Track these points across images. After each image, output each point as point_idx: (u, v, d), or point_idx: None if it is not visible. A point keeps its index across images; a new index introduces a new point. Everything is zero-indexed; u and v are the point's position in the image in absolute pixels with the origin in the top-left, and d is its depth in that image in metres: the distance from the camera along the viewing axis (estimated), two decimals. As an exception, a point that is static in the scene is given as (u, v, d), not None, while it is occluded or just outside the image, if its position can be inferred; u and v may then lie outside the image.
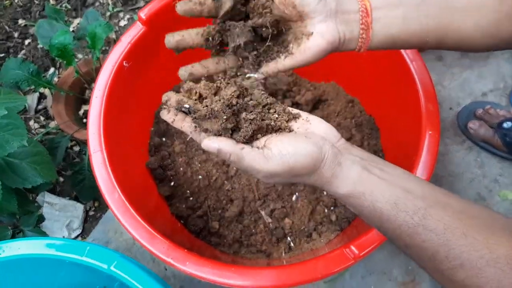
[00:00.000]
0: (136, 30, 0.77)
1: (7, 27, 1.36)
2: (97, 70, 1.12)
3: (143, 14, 0.76)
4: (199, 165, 0.87)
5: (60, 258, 0.62)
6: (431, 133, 0.67)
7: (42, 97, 1.26)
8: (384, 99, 0.86)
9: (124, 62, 0.76)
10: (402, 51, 0.73)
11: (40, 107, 1.25)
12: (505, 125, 1.01)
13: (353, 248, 0.60)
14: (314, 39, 0.48)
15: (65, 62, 0.99)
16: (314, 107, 0.95)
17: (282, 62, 0.50)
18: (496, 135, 1.04)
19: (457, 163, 1.08)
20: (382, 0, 0.48)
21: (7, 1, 1.40)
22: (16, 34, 1.35)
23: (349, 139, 0.89)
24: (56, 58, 1.22)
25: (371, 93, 0.90)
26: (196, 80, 0.49)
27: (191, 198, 0.85)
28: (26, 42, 1.34)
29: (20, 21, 1.37)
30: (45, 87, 1.05)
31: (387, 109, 0.86)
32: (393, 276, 0.97)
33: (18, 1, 1.41)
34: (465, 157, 1.09)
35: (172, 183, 0.86)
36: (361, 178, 0.43)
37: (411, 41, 0.50)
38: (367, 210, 0.43)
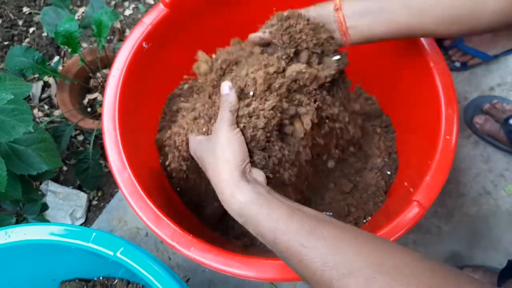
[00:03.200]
0: (157, 12, 0.77)
1: (11, 15, 1.35)
2: (102, 59, 1.11)
3: None
4: None
5: (66, 244, 0.62)
6: (449, 138, 0.66)
7: (46, 85, 1.26)
8: (402, 100, 0.85)
9: (144, 43, 0.75)
10: (427, 53, 0.72)
11: (44, 95, 1.24)
12: (511, 121, 1.01)
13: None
14: None
15: (70, 50, 0.99)
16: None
17: None
18: (502, 130, 1.04)
19: (462, 157, 1.08)
20: (352, 11, 0.59)
21: (12, -11, 1.40)
22: (20, 22, 1.35)
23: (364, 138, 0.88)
24: (61, 46, 1.21)
25: (390, 93, 0.89)
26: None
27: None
28: (31, 30, 1.34)
29: (25, 9, 1.36)
30: (49, 75, 1.04)
31: (404, 110, 0.85)
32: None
33: (22, -11, 1.40)
34: (471, 152, 1.09)
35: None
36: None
37: (384, 39, 0.61)
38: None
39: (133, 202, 0.63)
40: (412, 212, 0.61)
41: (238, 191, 0.48)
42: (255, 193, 0.48)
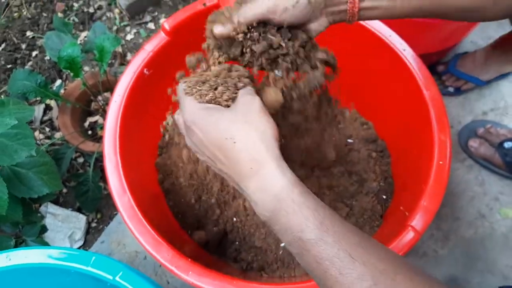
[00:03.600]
0: (158, 40, 0.80)
1: (15, 39, 1.38)
2: (104, 83, 1.14)
3: (167, 24, 0.79)
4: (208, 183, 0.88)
5: (66, 268, 0.63)
6: (442, 163, 0.68)
7: (47, 108, 1.28)
8: (396, 125, 0.87)
9: (145, 69, 0.78)
10: (418, 79, 0.74)
11: (45, 118, 1.26)
12: (506, 145, 1.03)
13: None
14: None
15: (72, 74, 1.01)
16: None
17: None
18: (496, 154, 1.05)
19: (457, 181, 1.09)
20: None
21: (16, 13, 1.43)
22: (23, 46, 1.37)
23: (359, 162, 0.90)
24: (63, 70, 1.24)
25: (385, 118, 0.91)
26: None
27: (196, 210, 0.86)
28: (33, 53, 1.36)
29: (28, 33, 1.39)
30: (51, 99, 1.06)
31: (399, 135, 0.87)
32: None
33: (26, 13, 1.43)
34: (466, 175, 1.10)
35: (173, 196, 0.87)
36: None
37: (397, 17, 0.54)
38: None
39: (132, 226, 0.64)
40: (407, 237, 0.63)
41: (280, 169, 0.40)
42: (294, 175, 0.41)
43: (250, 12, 0.48)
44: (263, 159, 0.40)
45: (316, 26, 0.53)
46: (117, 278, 0.61)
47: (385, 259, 0.37)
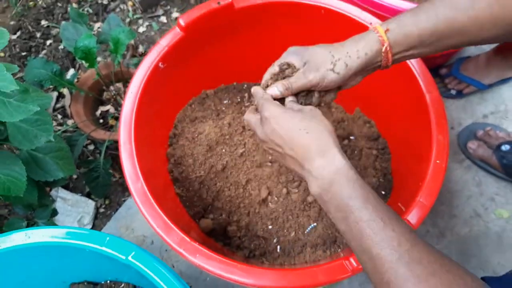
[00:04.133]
0: (173, 35, 0.83)
1: (30, 27, 1.42)
2: (116, 73, 1.17)
3: (182, 20, 0.82)
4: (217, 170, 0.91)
5: (82, 247, 0.67)
6: (439, 162, 0.72)
7: (60, 96, 1.32)
8: (398, 125, 0.91)
9: (160, 63, 0.82)
10: (420, 82, 0.78)
11: (58, 105, 1.30)
12: (503, 147, 1.06)
13: (352, 261, 0.63)
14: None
15: (87, 64, 1.04)
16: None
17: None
18: (494, 156, 1.09)
19: (455, 180, 1.13)
20: (399, 42, 0.57)
21: (32, 2, 1.47)
22: (38, 34, 1.41)
23: (360, 159, 0.94)
24: (78, 60, 1.27)
25: (387, 118, 0.95)
26: None
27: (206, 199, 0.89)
28: (48, 42, 1.40)
29: (43, 22, 1.43)
30: (65, 87, 1.10)
31: (400, 134, 0.91)
32: (390, 285, 1.01)
33: (41, 3, 1.47)
34: (464, 175, 1.14)
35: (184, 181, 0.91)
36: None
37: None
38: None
39: (145, 211, 0.68)
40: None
41: (342, 154, 0.51)
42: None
43: (300, 83, 0.59)
44: (330, 145, 0.52)
45: (353, 83, 0.62)
46: (129, 258, 0.65)
47: (412, 232, 0.47)
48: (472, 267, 1.03)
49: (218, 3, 0.83)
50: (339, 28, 0.85)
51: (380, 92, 0.92)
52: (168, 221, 0.67)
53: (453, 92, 1.21)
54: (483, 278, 0.73)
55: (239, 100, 1.03)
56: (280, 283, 0.62)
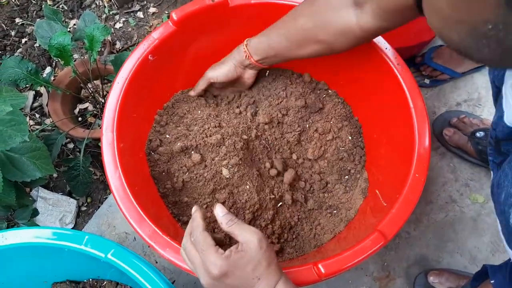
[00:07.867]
0: (165, 28, 0.83)
1: (4, 26, 1.40)
2: (93, 71, 1.17)
3: (175, 15, 0.82)
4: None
5: (60, 246, 0.67)
6: (418, 176, 0.72)
7: (37, 95, 1.30)
8: (381, 133, 0.91)
9: (150, 55, 0.82)
10: (407, 94, 0.80)
11: (35, 104, 1.29)
12: (478, 134, 1.09)
13: (320, 267, 0.64)
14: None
15: (62, 62, 1.04)
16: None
17: None
18: (469, 142, 1.11)
19: (431, 167, 1.16)
20: (257, 55, 0.82)
21: (4, 0, 1.44)
22: (13, 33, 1.39)
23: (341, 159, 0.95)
24: (54, 58, 1.26)
25: (372, 122, 0.95)
26: None
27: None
28: (23, 40, 1.38)
29: (17, 20, 1.41)
30: (42, 86, 1.09)
31: (382, 145, 0.90)
32: (370, 271, 1.03)
33: (15, 0, 1.44)
34: (439, 162, 1.16)
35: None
36: None
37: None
38: None
39: (119, 200, 0.68)
40: (372, 239, 0.67)
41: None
42: None
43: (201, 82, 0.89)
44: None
45: (247, 75, 0.89)
46: (109, 256, 0.66)
47: None
48: (449, 252, 1.06)
49: (213, 0, 0.83)
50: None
51: (362, 88, 0.93)
52: (142, 213, 0.67)
53: (427, 81, 1.24)
54: (484, 266, 0.75)
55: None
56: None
